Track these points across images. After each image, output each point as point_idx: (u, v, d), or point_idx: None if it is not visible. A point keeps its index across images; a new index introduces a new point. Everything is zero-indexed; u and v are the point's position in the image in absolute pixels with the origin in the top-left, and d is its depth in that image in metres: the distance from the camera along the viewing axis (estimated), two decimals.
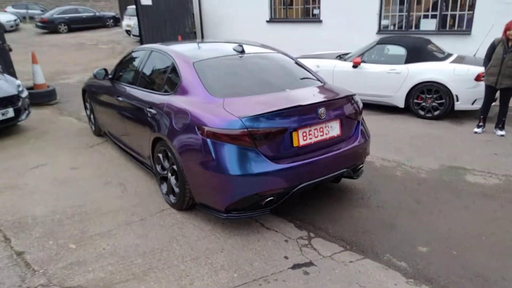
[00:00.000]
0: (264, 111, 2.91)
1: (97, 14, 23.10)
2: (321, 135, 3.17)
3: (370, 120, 6.11)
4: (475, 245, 2.92)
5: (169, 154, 3.33)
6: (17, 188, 3.91)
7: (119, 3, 21.93)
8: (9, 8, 25.41)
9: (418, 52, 6.20)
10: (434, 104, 6.00)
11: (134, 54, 4.63)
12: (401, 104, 6.29)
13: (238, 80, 3.50)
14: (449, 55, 6.52)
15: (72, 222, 3.26)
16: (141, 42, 11.33)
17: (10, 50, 7.24)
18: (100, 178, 4.14)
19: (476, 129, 5.42)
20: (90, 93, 5.42)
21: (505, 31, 4.90)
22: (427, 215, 3.35)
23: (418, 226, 3.19)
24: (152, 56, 4.13)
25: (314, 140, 3.13)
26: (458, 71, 5.79)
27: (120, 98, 4.27)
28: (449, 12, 8.33)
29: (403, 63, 6.20)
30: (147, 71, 4.16)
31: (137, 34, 12.73)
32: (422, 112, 6.14)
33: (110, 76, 4.76)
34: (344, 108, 3.35)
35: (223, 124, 2.88)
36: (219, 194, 2.97)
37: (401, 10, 9.02)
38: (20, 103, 5.60)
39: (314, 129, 3.12)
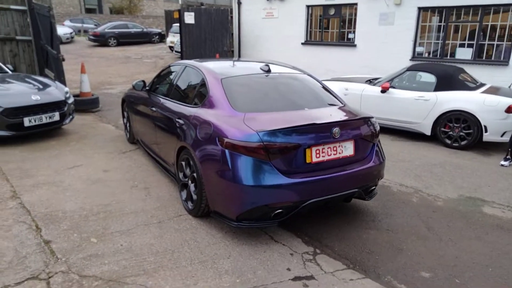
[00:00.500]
0: (280, 126, 3.09)
1: (145, 30, 24.52)
2: (334, 154, 3.29)
3: (395, 146, 6.14)
4: (480, 276, 2.89)
5: (191, 162, 3.57)
6: (54, 184, 4.29)
7: (166, 20, 23.17)
8: (67, 22, 27.57)
9: (449, 80, 6.16)
10: (461, 133, 5.91)
11: (170, 69, 4.99)
12: (427, 131, 6.25)
13: (261, 97, 3.71)
14: (481, 85, 6.42)
15: (97, 218, 3.55)
16: (182, 58, 11.97)
17: (63, 59, 7.93)
18: (128, 182, 4.45)
19: (503, 162, 5.28)
20: (128, 102, 5.84)
21: None
22: (436, 242, 3.34)
23: (425, 252, 3.20)
24: (186, 71, 4.46)
25: (327, 158, 3.25)
26: (488, 101, 5.70)
27: (153, 109, 4.61)
28: (486, 42, 8.20)
29: (432, 91, 6.18)
30: (180, 84, 4.48)
31: (179, 50, 13.43)
32: (448, 141, 6.06)
33: (147, 88, 5.15)
34: (360, 130, 3.45)
35: (241, 137, 3.08)
36: (232, 202, 3.15)
37: (437, 38, 8.98)
38: (65, 108, 6.13)
39: (328, 148, 3.25)
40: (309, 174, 3.15)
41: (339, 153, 3.31)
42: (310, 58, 11.05)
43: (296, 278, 2.80)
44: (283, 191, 3.05)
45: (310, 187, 3.13)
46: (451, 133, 6.03)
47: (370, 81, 7.16)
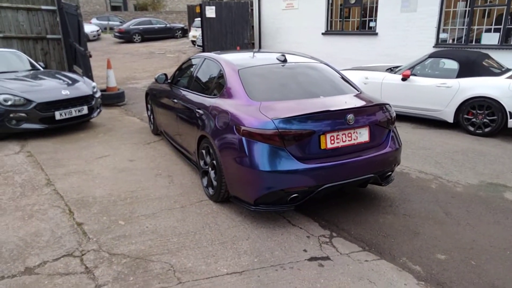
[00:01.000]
0: (294, 114, 3.19)
1: (168, 25, 24.94)
2: (349, 140, 3.35)
3: (416, 133, 6.10)
4: (497, 258, 2.90)
5: (211, 150, 3.73)
6: (84, 173, 4.56)
7: (188, 15, 23.48)
8: (94, 20, 28.41)
9: (471, 66, 6.03)
10: (485, 120, 5.80)
11: (190, 62, 5.15)
12: (450, 119, 6.15)
13: (276, 86, 3.81)
14: (507, 70, 6.24)
15: (124, 203, 3.77)
16: (203, 51, 12.17)
17: (90, 56, 8.27)
18: (152, 170, 4.66)
19: None
20: (151, 95, 6.07)
21: None
22: (453, 226, 3.36)
23: (441, 235, 3.23)
24: (205, 63, 4.61)
25: (341, 144, 3.32)
26: None
27: (175, 100, 4.79)
28: None
29: (454, 77, 6.07)
30: (200, 76, 4.64)
31: (201, 44, 13.64)
32: (472, 128, 5.95)
33: (169, 81, 5.35)
34: (375, 116, 3.49)
35: (257, 125, 3.20)
36: (249, 187, 3.28)
37: (462, 24, 8.74)
38: (93, 102, 6.43)
39: (342, 134, 3.32)
40: (323, 160, 3.23)
41: (354, 139, 3.37)
42: (331, 48, 10.99)
43: (312, 259, 2.91)
44: (298, 176, 3.15)
45: (324, 172, 3.21)
46: (474, 120, 5.92)
47: (391, 70, 7.09)
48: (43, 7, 9.04)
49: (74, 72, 8.16)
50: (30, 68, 7.11)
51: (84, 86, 6.46)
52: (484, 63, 6.19)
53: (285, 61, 4.12)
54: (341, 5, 10.99)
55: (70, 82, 6.44)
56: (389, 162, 3.59)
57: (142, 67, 14.71)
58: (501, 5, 8.05)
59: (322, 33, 11.30)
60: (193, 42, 19.48)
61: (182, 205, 3.75)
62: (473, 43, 8.53)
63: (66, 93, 6.04)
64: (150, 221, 3.43)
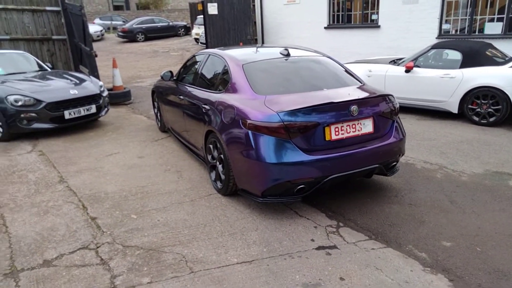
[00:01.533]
0: (299, 106, 3.25)
1: (170, 24, 25.01)
2: (353, 131, 3.41)
3: (420, 125, 6.13)
4: (502, 244, 2.95)
5: (218, 144, 3.81)
6: (95, 170, 4.67)
7: (190, 13, 23.53)
8: (97, 20, 28.54)
9: (475, 56, 6.05)
10: (489, 110, 5.82)
11: (195, 58, 5.23)
12: (454, 109, 6.18)
13: (280, 80, 3.87)
14: (511, 59, 6.24)
15: (135, 198, 3.87)
16: (207, 48, 12.22)
17: (96, 56, 8.38)
18: (161, 166, 4.76)
19: None
20: (157, 93, 6.15)
21: None
22: (459, 214, 3.42)
23: (447, 223, 3.29)
24: (209, 59, 4.68)
25: (346, 135, 3.38)
26: None
27: (181, 97, 4.87)
28: None
29: (458, 68, 6.09)
30: (205, 72, 4.71)
31: (204, 41, 13.71)
32: (476, 118, 5.97)
33: (174, 78, 5.43)
34: (378, 107, 3.55)
35: (263, 118, 3.27)
36: (256, 180, 3.36)
37: (465, 14, 8.71)
38: (101, 101, 6.54)
39: (347, 125, 3.38)
40: (329, 151, 3.30)
41: (358, 130, 3.43)
42: (333, 42, 11.00)
43: (320, 248, 2.98)
44: (304, 167, 3.22)
45: (330, 163, 3.28)
46: (478, 110, 5.94)
47: (394, 62, 7.12)
48: (48, 8, 9.16)
49: (81, 72, 8.27)
50: (37, 69, 7.23)
51: (91, 85, 6.56)
52: (487, 52, 6.20)
53: (288, 55, 4.18)
54: None
55: (77, 81, 6.55)
56: (393, 153, 3.65)
57: (146, 66, 14.81)
58: None
59: (325, 27, 11.31)
60: (196, 39, 19.54)
61: (192, 199, 3.84)
62: (476, 33, 8.52)
63: (74, 92, 6.15)
64: (161, 214, 3.53)
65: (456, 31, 8.90)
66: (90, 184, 4.23)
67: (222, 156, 3.73)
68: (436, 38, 8.81)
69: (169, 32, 24.40)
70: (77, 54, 9.33)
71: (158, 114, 6.29)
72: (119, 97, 8.58)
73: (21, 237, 3.18)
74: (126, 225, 3.34)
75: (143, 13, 32.57)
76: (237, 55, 4.26)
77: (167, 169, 4.67)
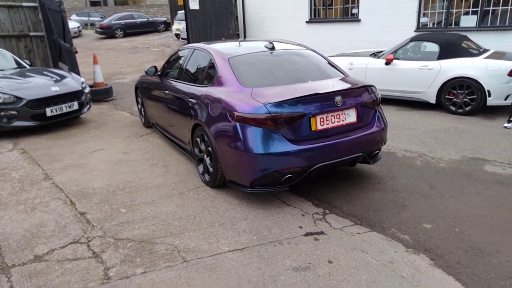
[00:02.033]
0: (285, 98, 3.33)
1: (150, 19, 24.66)
2: (337, 121, 3.52)
3: (400, 115, 6.32)
4: (478, 224, 3.13)
5: (206, 137, 3.85)
6: (80, 166, 4.64)
7: (170, 8, 23.26)
8: (74, 16, 27.87)
9: (451, 48, 6.26)
10: (465, 99, 6.05)
11: (180, 53, 5.23)
12: (432, 100, 6.39)
13: (266, 72, 3.94)
14: (485, 51, 6.50)
15: (123, 193, 3.88)
16: (188, 44, 12.15)
17: (76, 52, 8.24)
18: (147, 161, 4.76)
19: (506, 124, 5.43)
20: (141, 88, 6.12)
21: None
22: (438, 198, 3.58)
23: (427, 207, 3.44)
24: (195, 53, 4.70)
25: (331, 125, 3.49)
26: (491, 66, 5.81)
27: (166, 92, 4.88)
28: (491, 8, 8.18)
29: (435, 59, 6.30)
30: (190, 66, 4.73)
31: (185, 37, 13.61)
32: (453, 108, 6.21)
33: (159, 73, 5.42)
34: (361, 98, 3.67)
35: (250, 110, 3.33)
36: (245, 170, 3.43)
37: (441, 8, 8.97)
38: (83, 98, 6.46)
39: (331, 116, 3.48)
40: (314, 141, 3.39)
41: (342, 120, 3.54)
42: (315, 36, 11.13)
43: (308, 234, 3.08)
44: (291, 157, 3.31)
45: (316, 153, 3.38)
46: (455, 100, 6.17)
47: (375, 55, 7.29)
48: (24, 3, 8.92)
49: (61, 69, 8.12)
50: (16, 66, 7.06)
51: (73, 82, 6.47)
52: (463, 44, 6.43)
53: (273, 48, 4.24)
54: None
55: (58, 78, 6.45)
56: (376, 141, 3.78)
57: (127, 62, 14.62)
58: None
59: (306, 22, 11.42)
60: (177, 35, 19.36)
61: (180, 192, 3.88)
62: (453, 26, 8.79)
63: (55, 89, 6.05)
64: (150, 207, 3.56)
65: (434, 24, 9.15)
66: (77, 180, 4.21)
67: (209, 148, 3.78)
68: (415, 31, 9.04)
69: (148, 28, 24.06)
70: (56, 51, 9.14)
71: (142, 110, 6.26)
72: (101, 94, 8.47)
73: (9, 234, 3.16)
74: (116, 219, 3.36)
75: (121, 9, 31.99)
76: (222, 49, 4.30)
77: (153, 163, 4.68)
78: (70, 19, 25.85)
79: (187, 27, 12.44)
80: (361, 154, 3.64)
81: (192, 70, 4.66)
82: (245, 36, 13.40)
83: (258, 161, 3.31)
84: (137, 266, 2.69)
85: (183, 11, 13.57)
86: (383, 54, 7.00)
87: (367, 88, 3.75)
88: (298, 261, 2.72)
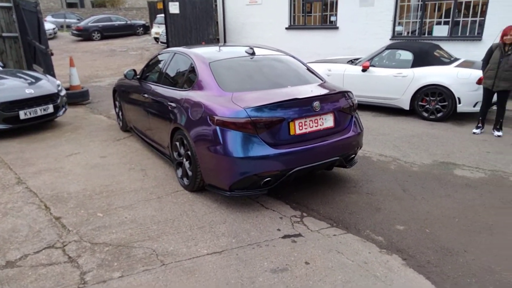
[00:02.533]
0: (265, 102, 3.39)
1: (128, 22, 24.34)
2: (315, 126, 3.60)
3: (376, 121, 6.50)
4: (448, 225, 3.26)
5: (185, 141, 3.85)
6: (55, 171, 4.54)
7: (149, 12, 23.06)
8: (49, 18, 27.15)
9: (424, 56, 6.51)
10: (437, 106, 6.29)
11: (160, 57, 5.21)
12: (406, 106, 6.61)
13: (247, 77, 3.99)
14: (456, 59, 6.79)
15: (100, 197, 3.83)
16: (168, 48, 12.08)
17: (52, 54, 8.05)
18: (125, 165, 4.72)
19: (475, 130, 5.68)
20: (119, 92, 6.05)
21: (502, 36, 5.18)
22: (410, 201, 3.71)
23: (400, 209, 3.56)
24: (175, 57, 4.70)
25: (309, 130, 3.56)
26: (461, 74, 6.07)
27: (145, 95, 4.85)
28: (461, 19, 8.55)
29: (409, 67, 6.53)
30: (170, 70, 4.73)
31: (165, 41, 13.52)
32: (426, 114, 6.44)
33: (138, 76, 5.38)
34: (338, 103, 3.77)
35: (230, 114, 3.37)
36: (224, 174, 3.45)
37: (415, 17, 9.30)
38: (58, 101, 6.32)
39: (310, 120, 3.56)
40: (293, 145, 3.46)
41: (320, 125, 3.63)
42: (294, 43, 11.29)
43: (286, 236, 3.14)
44: (270, 161, 3.36)
45: (294, 156, 3.44)
46: (428, 106, 6.40)
47: (352, 61, 7.48)
48: None
49: (35, 71, 7.92)
50: None
51: (48, 85, 6.34)
52: (435, 53, 6.69)
53: (253, 54, 4.31)
54: (303, 0, 11.31)
55: (33, 80, 6.30)
56: (352, 146, 3.88)
57: (104, 65, 14.39)
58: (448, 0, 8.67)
59: (286, 28, 11.59)
60: (156, 39, 19.20)
61: (159, 196, 3.86)
62: (426, 35, 9.12)
63: (30, 91, 5.91)
64: (128, 212, 3.53)
65: (408, 33, 9.47)
66: (51, 185, 4.13)
67: (189, 152, 3.79)
68: (390, 39, 9.33)
69: (127, 31, 23.73)
70: (31, 52, 8.91)
71: (120, 113, 6.18)
72: (77, 97, 8.31)
73: None
74: (92, 223, 3.32)
75: (98, 11, 31.45)
76: (203, 53, 4.33)
77: (131, 167, 4.64)
78: (45, 21, 25.16)
79: (167, 31, 12.39)
80: (338, 158, 3.74)
81: (172, 74, 4.66)
82: (225, 41, 13.45)
83: (237, 165, 3.34)
84: (114, 270, 2.67)
85: (162, 15, 13.51)
86: (360, 61, 7.20)
87: (344, 94, 3.86)
88: (276, 263, 2.77)
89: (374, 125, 6.28)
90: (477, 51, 7.73)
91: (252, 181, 3.42)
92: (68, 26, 26.22)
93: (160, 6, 12.94)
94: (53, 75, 7.87)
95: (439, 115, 6.31)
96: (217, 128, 3.41)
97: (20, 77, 6.37)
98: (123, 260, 2.79)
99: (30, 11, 8.11)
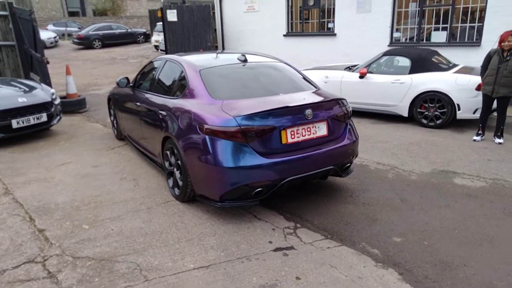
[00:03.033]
0: (255, 111, 3.28)
1: (129, 30, 24.47)
2: (308, 134, 3.49)
3: (374, 128, 6.38)
4: (447, 238, 3.13)
5: (175, 150, 3.75)
6: (45, 180, 4.44)
7: (150, 20, 23.15)
8: (50, 26, 27.33)
9: (422, 62, 6.41)
10: (436, 113, 6.18)
11: (152, 64, 5.14)
12: (405, 113, 6.50)
13: (238, 85, 3.90)
14: (454, 65, 6.68)
15: (88, 208, 3.72)
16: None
17: (48, 62, 8.01)
18: (117, 174, 4.61)
19: (475, 137, 5.56)
20: (114, 100, 5.98)
21: (500, 42, 5.08)
22: (408, 212, 3.58)
23: (397, 220, 3.43)
24: (167, 65, 4.62)
25: (301, 138, 3.45)
26: (460, 81, 5.96)
27: (138, 103, 4.77)
28: (459, 24, 8.47)
29: (407, 74, 6.43)
30: (161, 78, 4.65)
31: (164, 48, 13.51)
32: (425, 121, 6.32)
33: (131, 84, 5.31)
34: (332, 111, 3.66)
35: (220, 123, 3.27)
36: (214, 184, 3.34)
37: (413, 23, 9.23)
38: (52, 109, 6.25)
39: (302, 129, 3.45)
40: (285, 154, 3.35)
41: (313, 133, 3.52)
42: (292, 50, 11.23)
43: (277, 249, 3.01)
44: (261, 171, 3.25)
45: (286, 166, 3.33)
46: (426, 113, 6.29)
47: (349, 68, 7.38)
48: None
49: (31, 79, 7.87)
50: None
51: (42, 93, 6.26)
52: (433, 59, 6.59)
53: (245, 61, 4.22)
54: (300, 7, 11.28)
55: (27, 89, 6.23)
56: (347, 154, 3.76)
57: (104, 73, 14.36)
58: (446, 5, 8.60)
59: (284, 35, 11.53)
60: (156, 46, 19.25)
61: (148, 207, 3.75)
62: (424, 41, 9.04)
63: (23, 100, 5.84)
64: (115, 223, 3.41)
65: (406, 39, 9.39)
66: (39, 195, 4.02)
67: (179, 162, 3.68)
68: (388, 45, 9.24)
69: (127, 39, 23.84)
70: (27, 61, 8.87)
71: (115, 122, 6.10)
72: (73, 105, 8.25)
73: None
74: (77, 236, 3.20)
75: (100, 20, 31.63)
76: (194, 61, 4.25)
77: (123, 177, 4.53)
78: (47, 29, 25.36)
79: (165, 39, 12.38)
80: (332, 167, 3.62)
81: (164, 82, 4.57)
82: (223, 48, 13.41)
83: (227, 175, 3.23)
84: (94, 287, 2.55)
85: (162, 23, 13.50)
86: (357, 68, 7.10)
87: (338, 101, 3.75)
88: (265, 278, 2.64)
89: (372, 132, 6.17)
90: (476, 57, 7.61)
91: (243, 191, 3.31)
92: (70, 35, 26.38)
93: (159, 14, 12.94)
94: (49, 84, 7.81)
95: (438, 122, 6.19)
96: (207, 137, 3.31)
97: (14, 86, 6.31)
98: (104, 275, 2.67)
99: (26, 20, 8.08)
